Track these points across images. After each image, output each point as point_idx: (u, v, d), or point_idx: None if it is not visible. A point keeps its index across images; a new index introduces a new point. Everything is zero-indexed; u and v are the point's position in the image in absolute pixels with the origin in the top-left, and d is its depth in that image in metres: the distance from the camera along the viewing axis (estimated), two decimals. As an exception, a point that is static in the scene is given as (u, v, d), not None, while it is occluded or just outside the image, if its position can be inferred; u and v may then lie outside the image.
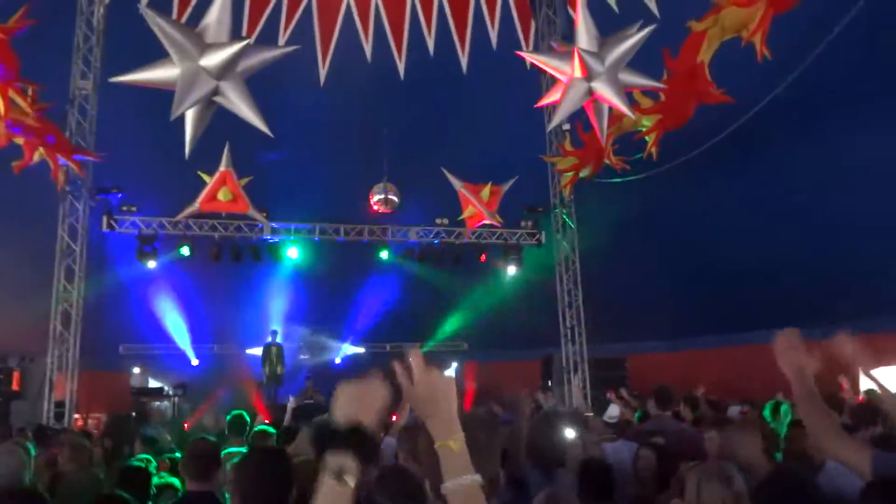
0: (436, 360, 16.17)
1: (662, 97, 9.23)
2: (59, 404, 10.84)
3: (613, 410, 6.98)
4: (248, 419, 5.71)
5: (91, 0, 11.84)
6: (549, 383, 13.56)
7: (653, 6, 12.92)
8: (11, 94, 7.78)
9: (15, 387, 11.10)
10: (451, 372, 16.72)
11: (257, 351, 14.72)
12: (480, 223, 13.25)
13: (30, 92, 8.29)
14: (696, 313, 14.10)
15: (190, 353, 15.80)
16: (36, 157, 9.25)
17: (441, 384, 1.65)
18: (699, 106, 9.06)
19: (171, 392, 13.07)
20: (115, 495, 3.18)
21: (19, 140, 8.77)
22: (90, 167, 11.38)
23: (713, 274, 14.18)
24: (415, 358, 1.60)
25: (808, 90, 9.00)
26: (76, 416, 11.49)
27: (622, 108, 6.43)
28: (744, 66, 8.49)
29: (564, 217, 13.75)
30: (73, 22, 11.61)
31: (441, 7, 14.55)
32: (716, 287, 13.95)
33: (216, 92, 5.16)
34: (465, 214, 13.18)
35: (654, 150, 9.78)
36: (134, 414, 12.22)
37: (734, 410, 7.58)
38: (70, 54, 11.53)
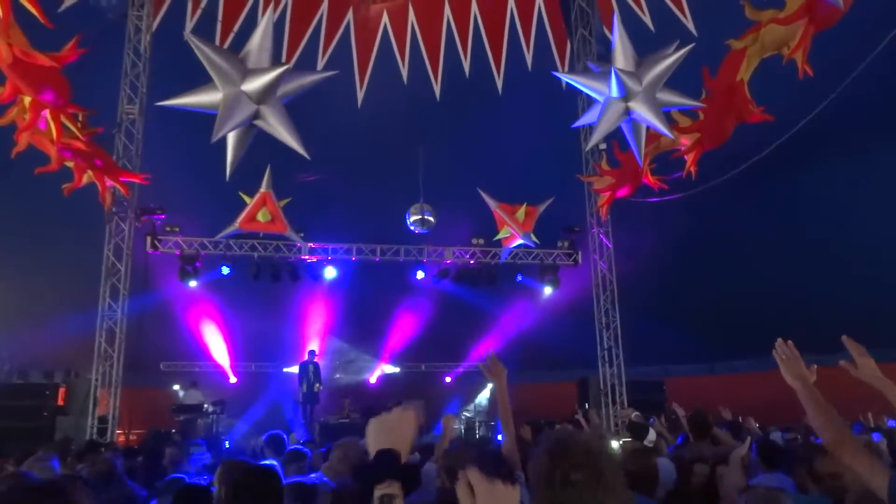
0: (472, 381, 16.14)
1: (701, 116, 9.13)
2: (103, 420, 11.06)
3: (652, 435, 6.84)
4: (284, 440, 5.75)
5: (138, 28, 12.25)
6: (587, 406, 13.34)
7: (690, 25, 12.89)
8: (63, 119, 8.07)
9: (60, 402, 11.32)
10: (486, 393, 16.62)
11: (294, 369, 14.85)
12: (516, 243, 13.21)
13: (80, 117, 8.59)
14: (735, 335, 13.78)
15: (228, 370, 16.01)
16: (85, 180, 9.55)
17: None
18: (739, 124, 8.94)
19: (210, 409, 13.22)
20: None
21: (70, 163, 9.08)
22: (136, 189, 11.70)
23: (754, 295, 13.89)
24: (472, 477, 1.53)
25: (851, 107, 8.84)
26: (118, 431, 11.71)
27: (660, 127, 6.38)
28: (784, 84, 8.37)
29: (601, 237, 13.63)
30: (121, 49, 12.01)
31: (476, 29, 14.71)
32: (757, 308, 13.63)
33: (256, 115, 5.28)
34: (501, 235, 13.15)
35: (692, 169, 9.66)
36: (174, 431, 12.39)
37: (776, 436, 7.33)
38: (118, 80, 11.92)
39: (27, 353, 12.78)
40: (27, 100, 7.61)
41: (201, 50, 5.11)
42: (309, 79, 5.74)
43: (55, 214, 11.31)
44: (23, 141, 8.02)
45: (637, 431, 7.10)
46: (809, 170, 12.60)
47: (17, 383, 11.90)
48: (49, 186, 9.33)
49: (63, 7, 10.82)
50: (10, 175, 9.27)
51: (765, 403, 12.20)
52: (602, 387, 13.15)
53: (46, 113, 7.81)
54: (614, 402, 12.94)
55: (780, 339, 2.60)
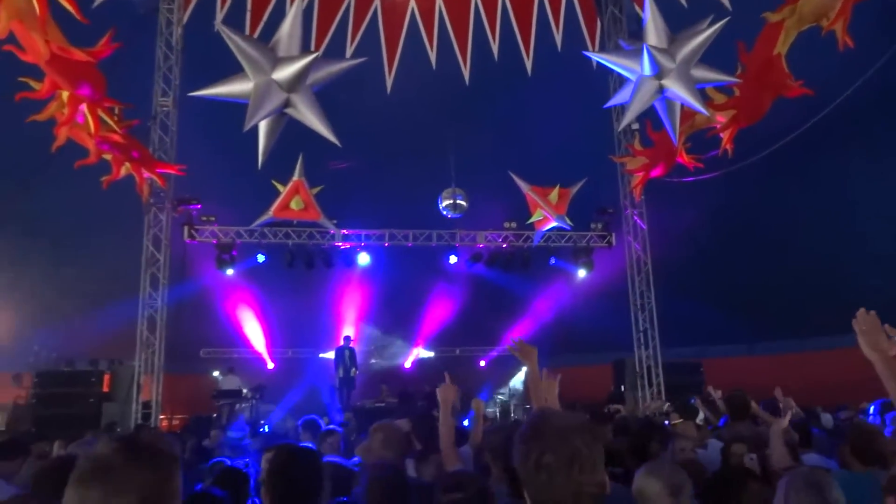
0: (506, 365, 16.17)
1: (737, 92, 8.92)
2: (146, 405, 11.37)
3: (702, 415, 6.78)
4: (319, 423, 5.84)
5: (169, 21, 12.40)
6: (622, 388, 13.27)
7: (724, -1, 12.56)
8: (100, 113, 8.23)
9: (105, 389, 11.65)
10: (521, 377, 16.62)
11: (330, 355, 15.04)
12: (549, 226, 13.13)
13: (116, 110, 8.74)
14: (775, 315, 13.55)
15: (266, 356, 16.28)
16: (123, 172, 9.73)
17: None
18: (777, 99, 8.70)
19: (248, 394, 13.48)
20: (209, 494, 3.28)
21: (108, 156, 9.26)
22: (172, 180, 11.90)
23: (793, 274, 13.62)
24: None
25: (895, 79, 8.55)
26: (161, 416, 12.02)
27: (695, 105, 6.25)
28: (824, 56, 8.12)
29: (635, 218, 13.46)
30: (153, 42, 12.19)
31: (505, 11, 14.55)
32: (796, 287, 13.38)
33: (287, 104, 5.32)
34: (534, 218, 13.08)
35: (729, 147, 9.45)
36: (215, 416, 12.67)
37: (826, 419, 7.18)
38: (151, 73, 12.10)
39: (72, 342, 13.15)
40: (65, 95, 7.77)
41: (232, 40, 5.16)
42: (338, 66, 5.75)
43: (94, 207, 11.56)
44: (62, 135, 8.20)
45: (689, 411, 7.05)
46: (851, 145, 12.27)
47: (63, 371, 12.25)
48: (88, 180, 9.54)
49: (97, 3, 10.98)
50: (50, 170, 9.49)
51: (806, 384, 12.03)
52: (638, 369, 13.05)
53: (84, 107, 7.96)
54: (650, 385, 12.84)
55: (861, 309, 2.48)
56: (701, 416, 6.73)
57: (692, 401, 7.23)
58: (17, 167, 10.92)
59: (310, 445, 4.30)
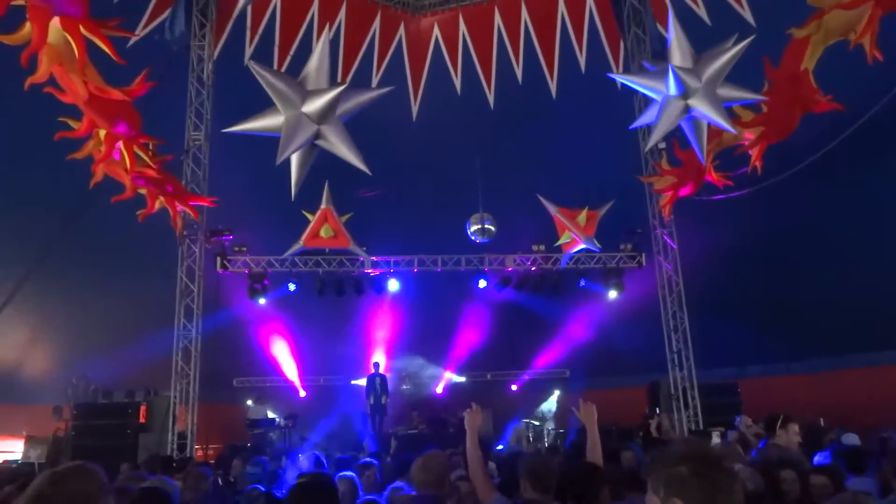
0: (538, 389, 16.02)
1: (765, 108, 8.85)
2: (182, 436, 11.47)
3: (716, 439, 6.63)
4: (324, 462, 5.79)
5: (201, 58, 12.74)
6: (657, 411, 13.04)
7: (748, 16, 12.56)
8: (135, 149, 8.46)
9: (142, 419, 11.80)
10: (553, 400, 16.45)
11: (362, 382, 15.07)
12: (578, 248, 13.08)
13: (151, 146, 8.98)
14: (812, 333, 13.24)
15: (298, 384, 16.36)
16: (157, 206, 9.96)
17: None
18: (806, 115, 8.62)
19: (281, 423, 13.54)
20: None
21: (143, 190, 9.50)
22: (204, 212, 12.13)
23: (830, 290, 13.32)
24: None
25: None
26: (196, 446, 12.12)
27: (722, 123, 6.23)
28: (854, 71, 8.04)
29: (665, 238, 13.35)
30: (185, 78, 12.52)
31: (528, 34, 14.69)
32: (833, 304, 13.08)
33: (318, 135, 5.43)
34: (562, 240, 13.04)
35: (758, 164, 9.35)
36: (248, 445, 12.74)
37: (852, 438, 6.98)
38: (184, 108, 12.42)
39: (110, 374, 13.37)
40: (102, 133, 8.01)
41: (262, 76, 5.30)
42: (366, 96, 5.87)
43: (130, 242, 11.83)
44: (99, 172, 8.44)
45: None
46: (884, 159, 12.04)
47: (101, 403, 12.44)
48: (123, 215, 9.77)
49: (131, 43, 11.35)
50: (88, 206, 9.74)
51: (845, 403, 11.72)
52: (673, 391, 12.83)
53: (120, 144, 8.20)
54: (686, 407, 12.60)
55: None
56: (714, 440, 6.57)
57: (738, 420, 6.98)
58: (62, 202, 11.23)
59: (350, 474, 4.31)
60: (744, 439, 6.59)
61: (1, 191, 11.96)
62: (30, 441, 12.77)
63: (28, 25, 6.18)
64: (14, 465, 11.59)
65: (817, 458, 5.09)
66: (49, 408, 12.88)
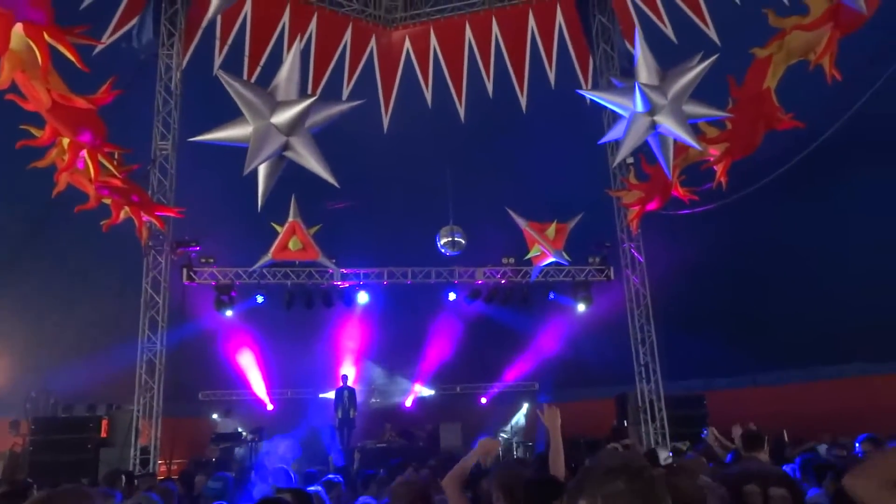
0: (507, 401, 16.05)
1: (729, 125, 9.05)
2: (145, 450, 11.22)
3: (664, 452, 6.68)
4: (291, 477, 5.68)
5: (169, 66, 12.59)
6: (625, 423, 13.15)
7: (713, 35, 12.84)
8: (100, 158, 8.32)
9: (103, 434, 11.52)
10: (522, 413, 16.48)
11: (330, 395, 14.93)
12: (547, 261, 13.17)
13: (116, 155, 8.84)
14: (778, 346, 13.51)
15: (265, 398, 16.15)
16: (122, 216, 9.79)
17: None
18: (769, 132, 8.84)
19: (248, 437, 13.35)
20: None
21: (107, 200, 9.33)
22: (171, 223, 11.95)
23: (795, 304, 13.61)
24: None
25: (885, 109, 8.68)
26: (160, 461, 11.86)
27: (688, 140, 6.34)
28: (814, 89, 8.27)
29: (633, 251, 13.51)
30: (153, 87, 12.35)
31: (498, 50, 14.82)
32: (798, 317, 13.36)
33: (286, 147, 5.39)
34: (532, 254, 13.13)
35: (723, 179, 9.55)
36: (214, 459, 12.52)
37: (822, 449, 7.10)
38: (151, 117, 12.24)
39: (70, 387, 13.04)
40: (66, 141, 7.87)
41: (231, 86, 5.25)
42: (336, 108, 5.85)
43: (94, 252, 11.60)
44: (62, 181, 8.28)
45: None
46: (846, 175, 12.37)
47: (62, 417, 12.12)
48: (87, 224, 9.59)
49: (97, 50, 11.17)
50: (51, 215, 9.55)
51: (812, 415, 11.95)
52: (640, 403, 12.94)
53: (84, 153, 8.06)
54: (653, 419, 12.72)
55: None
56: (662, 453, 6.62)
57: (704, 433, 7.06)
58: (18, 213, 10.98)
59: (317, 489, 4.25)
60: (710, 452, 6.67)
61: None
62: (-15, 456, 12.39)
63: (-11, 31, 6.05)
64: (-32, 482, 11.21)
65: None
66: (6, 422, 12.52)
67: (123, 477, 7.53)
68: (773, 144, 8.98)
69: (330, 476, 5.74)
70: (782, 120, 8.54)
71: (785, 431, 11.25)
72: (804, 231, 13.27)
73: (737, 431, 6.54)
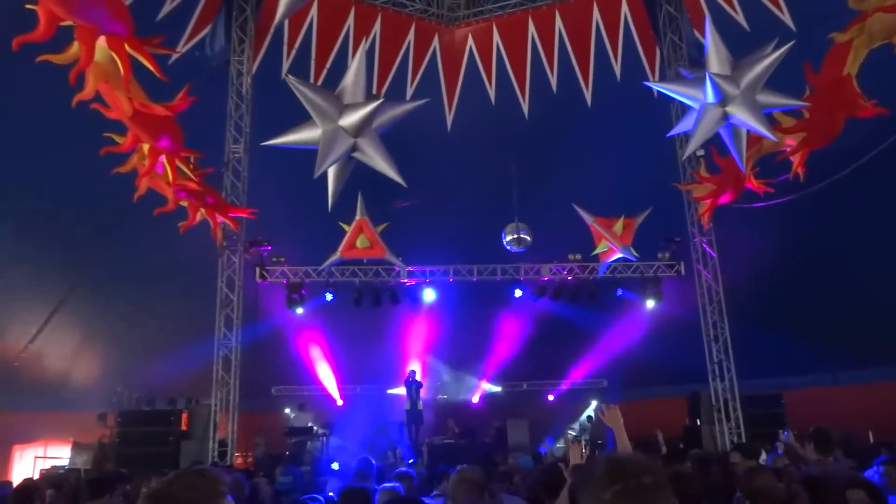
0: (575, 399, 15.88)
1: (806, 114, 8.68)
2: (223, 443, 11.64)
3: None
4: (372, 465, 5.75)
5: (240, 72, 13.01)
6: (698, 422, 12.82)
7: (788, 20, 12.33)
8: (178, 162, 8.68)
9: (183, 427, 12.01)
10: (590, 411, 16.28)
11: (398, 391, 15.12)
12: (615, 257, 12.95)
13: (192, 159, 9.20)
14: (860, 343, 12.87)
15: (335, 393, 16.49)
16: (198, 218, 10.17)
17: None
18: (849, 120, 8.43)
19: (319, 431, 13.65)
20: None
21: (184, 203, 9.71)
22: (243, 223, 12.35)
23: (876, 299, 12.95)
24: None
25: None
26: (237, 454, 12.28)
27: (762, 130, 6.13)
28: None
29: (704, 246, 13.14)
30: (225, 92, 12.78)
31: (562, 44, 14.65)
32: (880, 314, 12.70)
33: (354, 148, 5.50)
34: (599, 249, 12.94)
35: (800, 170, 9.17)
36: (287, 453, 12.87)
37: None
38: (223, 122, 12.68)
39: (153, 383, 13.67)
40: (146, 147, 8.23)
41: (300, 90, 5.39)
42: (401, 109, 5.93)
43: (172, 253, 12.07)
44: (143, 185, 8.67)
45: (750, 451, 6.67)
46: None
47: (145, 410, 12.72)
48: (165, 227, 9.99)
49: (173, 59, 11.63)
50: (130, 219, 9.99)
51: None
52: (714, 402, 12.58)
53: (163, 158, 8.42)
54: (727, 418, 12.34)
55: None
56: (763, 456, 6.34)
57: (786, 434, 6.67)
58: (101, 217, 11.54)
59: (395, 484, 4.33)
60: (793, 453, 6.35)
61: (49, 204, 12.32)
62: (76, 447, 13.13)
63: (76, 45, 6.39)
64: (61, 471, 11.92)
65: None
66: (94, 415, 13.24)
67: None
68: (854, 133, 8.55)
69: (402, 469, 5.82)
70: (864, 107, 8.13)
71: (870, 433, 10.74)
72: (887, 222, 12.59)
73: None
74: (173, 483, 1.77)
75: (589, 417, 16.09)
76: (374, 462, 5.84)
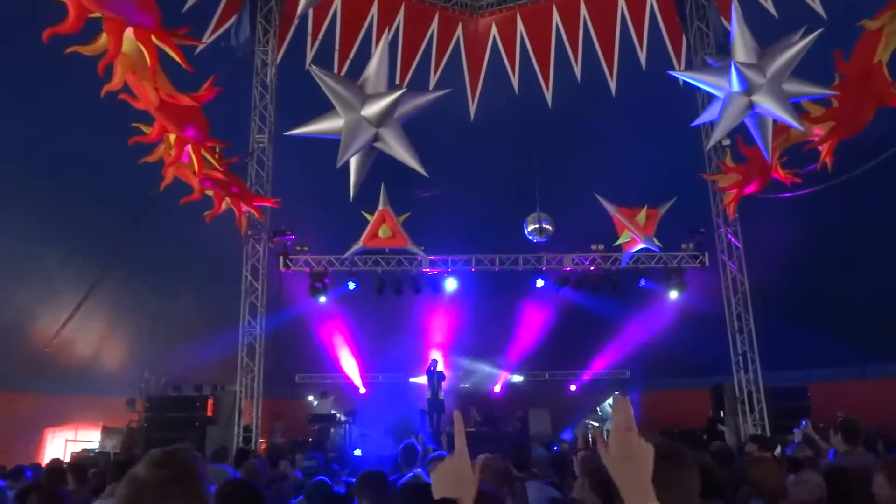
0: (597, 389, 15.85)
1: (835, 103, 8.53)
2: (247, 429, 11.83)
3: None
4: (418, 450, 5.88)
5: (264, 62, 13.10)
6: (722, 414, 12.73)
7: (818, 7, 12.11)
8: (203, 152, 8.78)
9: (209, 413, 12.24)
10: (610, 402, 16.24)
11: (420, 380, 15.20)
12: (637, 248, 12.87)
13: (217, 149, 9.30)
14: (888, 335, 12.67)
15: (358, 381, 16.64)
16: (223, 207, 10.30)
17: (638, 448, 1.50)
18: (880, 109, 8.27)
19: (342, 418, 13.81)
20: None
21: (210, 192, 9.84)
22: (268, 212, 12.47)
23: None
24: (621, 412, 1.53)
25: None
26: (261, 440, 12.48)
27: (788, 120, 6.05)
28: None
29: (729, 237, 12.99)
30: (250, 82, 12.88)
31: (587, 32, 14.53)
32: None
33: (376, 138, 5.53)
34: (621, 240, 12.86)
35: (828, 160, 9.02)
36: (310, 439, 13.05)
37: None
38: (248, 112, 12.79)
39: (179, 369, 13.91)
40: (172, 137, 8.34)
41: (323, 81, 5.43)
42: (424, 99, 5.95)
43: (197, 242, 12.24)
44: (169, 175, 8.79)
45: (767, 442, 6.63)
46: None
47: (172, 396, 12.96)
48: (190, 216, 10.13)
49: (198, 50, 11.75)
50: (155, 208, 10.14)
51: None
52: (738, 394, 12.47)
53: (189, 148, 8.52)
54: (752, 410, 12.24)
55: None
56: (778, 449, 6.27)
57: (803, 424, 6.59)
58: (127, 206, 11.74)
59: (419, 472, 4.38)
60: (812, 444, 6.30)
61: (78, 194, 12.55)
62: (105, 431, 13.45)
63: (104, 36, 6.49)
64: (92, 454, 12.22)
65: None
66: (123, 400, 13.53)
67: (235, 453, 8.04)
68: (884, 122, 8.39)
69: (437, 453, 5.88)
70: (895, 96, 7.97)
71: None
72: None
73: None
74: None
75: (610, 405, 16.06)
76: (418, 447, 5.93)
